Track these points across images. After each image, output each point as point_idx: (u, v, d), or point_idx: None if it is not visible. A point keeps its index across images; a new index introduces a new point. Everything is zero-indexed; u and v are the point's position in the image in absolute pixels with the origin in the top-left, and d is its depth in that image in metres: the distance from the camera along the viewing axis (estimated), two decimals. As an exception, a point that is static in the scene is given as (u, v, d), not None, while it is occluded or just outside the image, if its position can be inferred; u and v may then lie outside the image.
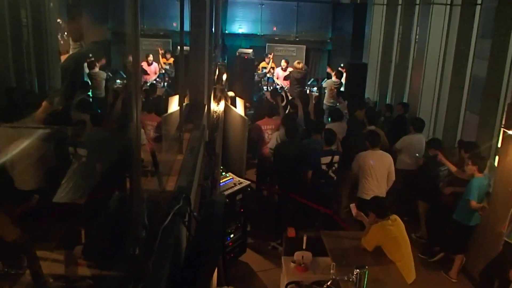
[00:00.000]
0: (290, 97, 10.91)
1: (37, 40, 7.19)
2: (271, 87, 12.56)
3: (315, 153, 6.96)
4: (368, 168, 6.67)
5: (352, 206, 5.81)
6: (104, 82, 10.34)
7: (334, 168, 6.92)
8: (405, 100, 11.10)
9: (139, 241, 2.14)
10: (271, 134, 7.94)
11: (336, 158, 6.91)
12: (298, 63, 12.78)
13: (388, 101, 11.98)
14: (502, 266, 5.36)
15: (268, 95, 11.06)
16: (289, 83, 12.71)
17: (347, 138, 7.97)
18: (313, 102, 10.16)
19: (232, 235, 6.33)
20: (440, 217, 6.77)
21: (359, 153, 6.86)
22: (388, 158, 6.84)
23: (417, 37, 10.65)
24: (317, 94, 12.57)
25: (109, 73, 11.44)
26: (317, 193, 6.92)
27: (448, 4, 9.14)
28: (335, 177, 7.00)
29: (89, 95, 8.99)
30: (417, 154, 7.48)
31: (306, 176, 6.90)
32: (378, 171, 6.70)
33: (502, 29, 7.17)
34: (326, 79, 13.11)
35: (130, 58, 2.12)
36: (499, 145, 6.50)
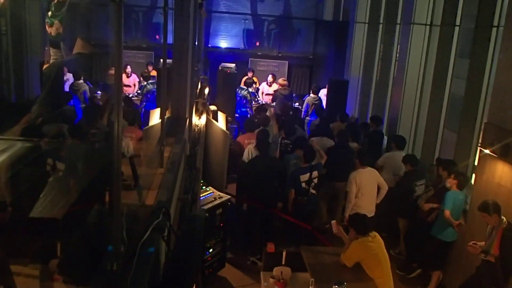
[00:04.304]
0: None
1: (16, 49, 7.10)
2: (254, 102, 12.60)
3: (294, 171, 6.98)
4: (363, 187, 6.77)
5: (333, 222, 5.82)
6: (84, 93, 10.24)
7: (313, 184, 6.95)
8: (385, 117, 11.24)
9: (117, 256, 2.11)
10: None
11: (315, 173, 6.94)
12: (284, 80, 12.90)
13: (369, 117, 12.09)
14: (480, 285, 5.41)
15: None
16: (271, 100, 12.86)
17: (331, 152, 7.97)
18: None
19: (211, 250, 6.27)
20: (418, 233, 6.82)
21: (352, 173, 6.90)
22: (375, 173, 7.04)
23: (397, 55, 10.81)
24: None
25: (91, 85, 11.34)
26: (298, 212, 6.93)
27: (428, 25, 9.33)
28: (316, 193, 7.03)
29: (71, 106, 8.88)
30: (393, 175, 7.58)
31: (289, 195, 6.90)
32: (370, 187, 6.85)
33: (479, 50, 7.34)
34: (307, 95, 13.23)
35: (112, 70, 2.11)
36: (476, 163, 6.62)
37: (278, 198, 7.16)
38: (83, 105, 9.72)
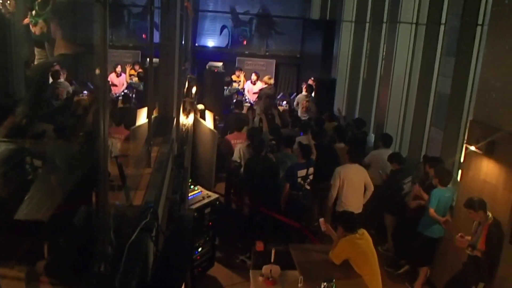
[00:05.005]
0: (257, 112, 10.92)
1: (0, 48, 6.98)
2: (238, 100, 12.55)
3: (292, 166, 7.00)
4: (348, 182, 6.79)
5: (321, 220, 5.84)
6: (67, 93, 10.12)
7: (308, 180, 6.98)
8: (372, 115, 11.31)
9: (105, 257, 2.09)
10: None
11: (311, 170, 6.99)
12: (269, 78, 12.87)
13: (356, 115, 12.16)
14: (466, 280, 5.47)
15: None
16: (257, 99, 12.81)
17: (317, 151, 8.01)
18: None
19: (200, 249, 6.26)
20: (406, 230, 6.88)
21: (337, 168, 6.96)
22: (363, 171, 7.07)
23: (384, 54, 10.88)
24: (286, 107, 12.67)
25: (76, 84, 11.22)
26: (292, 206, 6.93)
27: (414, 23, 9.40)
28: (309, 189, 7.07)
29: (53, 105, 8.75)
30: (380, 171, 7.61)
31: (284, 189, 6.91)
32: (357, 184, 6.87)
33: (465, 48, 7.41)
34: (295, 93, 13.25)
35: (98, 70, 2.09)
36: (462, 160, 6.69)
37: (275, 197, 7.16)
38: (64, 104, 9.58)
